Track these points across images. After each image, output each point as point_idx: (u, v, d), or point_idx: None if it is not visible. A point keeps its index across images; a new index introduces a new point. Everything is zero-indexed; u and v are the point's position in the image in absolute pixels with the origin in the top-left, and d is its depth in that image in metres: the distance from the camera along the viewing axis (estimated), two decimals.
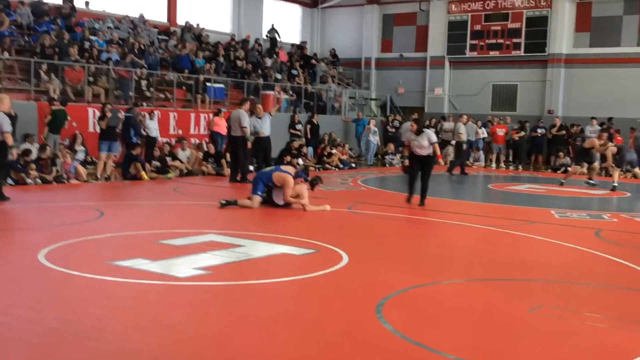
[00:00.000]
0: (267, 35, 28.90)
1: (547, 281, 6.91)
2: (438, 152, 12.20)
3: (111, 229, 8.86)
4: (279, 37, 28.89)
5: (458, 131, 19.87)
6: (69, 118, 16.06)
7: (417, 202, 12.08)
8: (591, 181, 16.89)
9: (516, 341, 4.87)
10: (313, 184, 11.56)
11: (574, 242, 8.98)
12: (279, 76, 25.89)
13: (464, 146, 20.15)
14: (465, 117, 21.06)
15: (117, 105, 17.48)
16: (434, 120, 25.89)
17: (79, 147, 16.12)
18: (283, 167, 11.76)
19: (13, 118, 13.33)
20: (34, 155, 14.04)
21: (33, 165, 13.49)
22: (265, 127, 16.11)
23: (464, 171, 19.69)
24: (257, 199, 11.18)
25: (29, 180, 13.24)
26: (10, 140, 11.02)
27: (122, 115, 16.22)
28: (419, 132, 12.02)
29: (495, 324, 5.27)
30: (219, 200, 11.23)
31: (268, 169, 11.89)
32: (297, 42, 30.47)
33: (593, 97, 25.23)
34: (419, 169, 12.10)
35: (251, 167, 18.13)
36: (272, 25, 29.03)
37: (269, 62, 26.57)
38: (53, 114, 15.55)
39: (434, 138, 12.09)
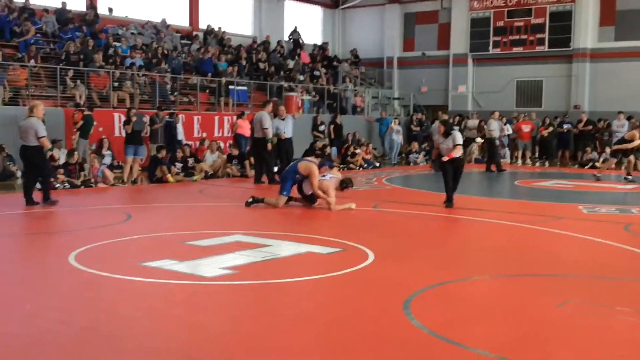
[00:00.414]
0: (289, 37, 28.98)
1: (576, 276, 6.83)
2: (455, 152, 11.44)
3: (139, 230, 8.95)
4: (302, 39, 28.98)
5: (489, 128, 19.75)
6: (95, 123, 16.26)
7: (443, 200, 11.69)
8: (629, 177, 16.68)
9: (546, 336, 4.83)
10: (343, 185, 11.46)
11: (603, 237, 8.87)
12: (301, 77, 25.93)
13: (496, 142, 20.01)
14: (497, 113, 20.87)
15: (153, 111, 17.75)
16: (457, 118, 25.74)
17: (105, 152, 16.28)
18: (307, 158, 11.87)
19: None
20: (61, 160, 14.24)
21: (61, 170, 13.69)
22: (287, 129, 16.16)
23: (501, 168, 19.54)
24: (283, 199, 11.23)
25: (57, 185, 13.41)
26: (47, 144, 11.32)
27: (147, 119, 16.38)
28: (446, 134, 11.62)
29: (524, 320, 5.22)
30: (245, 200, 11.32)
31: (292, 163, 11.96)
32: (319, 43, 30.49)
33: (619, 91, 24.90)
34: (452, 171, 11.63)
35: (275, 168, 18.21)
36: (295, 27, 29.12)
37: (291, 63, 26.63)
38: (83, 119, 15.75)
39: (458, 140, 11.65)
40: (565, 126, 23.51)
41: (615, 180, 16.83)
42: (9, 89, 16.57)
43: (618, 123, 22.09)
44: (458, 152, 11.51)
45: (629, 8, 25.26)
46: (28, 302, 5.48)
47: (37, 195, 11.37)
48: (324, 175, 11.23)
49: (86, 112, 15.92)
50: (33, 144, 11.19)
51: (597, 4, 25.94)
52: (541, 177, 18.27)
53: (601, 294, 6.12)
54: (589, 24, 25.91)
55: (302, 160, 11.57)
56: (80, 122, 15.69)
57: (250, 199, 11.30)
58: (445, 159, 11.47)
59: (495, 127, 19.74)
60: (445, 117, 26.25)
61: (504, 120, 22.88)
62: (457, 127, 22.73)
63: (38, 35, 19.93)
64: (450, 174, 11.59)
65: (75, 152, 14.40)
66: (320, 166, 11.25)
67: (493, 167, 19.34)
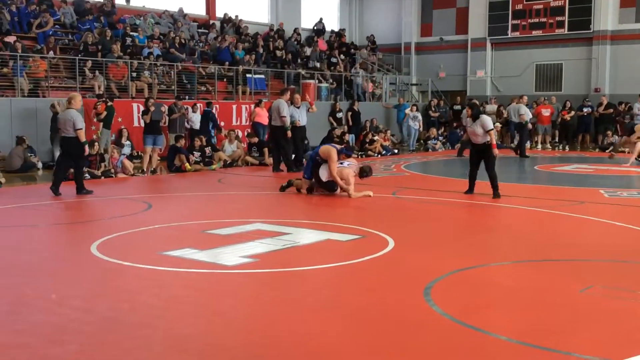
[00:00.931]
0: (314, 27, 28.98)
1: (598, 261, 6.78)
2: (493, 140, 10.97)
3: (159, 220, 9.00)
4: (325, 29, 29.02)
5: (519, 112, 19.67)
6: (115, 113, 16.33)
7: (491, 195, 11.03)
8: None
9: (569, 321, 4.80)
10: (363, 174, 11.36)
11: (625, 220, 8.79)
12: (318, 65, 25.87)
13: (529, 126, 20.18)
14: (525, 97, 20.77)
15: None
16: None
17: (125, 142, 16.39)
18: (330, 144, 11.91)
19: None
20: None
21: None
22: (302, 117, 16.13)
23: (525, 154, 19.54)
24: (306, 181, 11.42)
25: None
26: (82, 137, 11.45)
27: (165, 109, 16.43)
28: (475, 118, 11.03)
29: (547, 305, 5.19)
30: (281, 185, 11.70)
31: (314, 149, 11.99)
32: (336, 30, 30.38)
33: None
34: (478, 159, 11.21)
35: (293, 155, 18.22)
36: (320, 18, 29.15)
37: (308, 51, 26.56)
38: (107, 109, 15.82)
39: (489, 125, 10.96)
40: (585, 109, 23.26)
41: (638, 164, 16.62)
42: (28, 80, 16.70)
43: (639, 106, 21.81)
44: (492, 139, 10.95)
45: None
46: (53, 292, 5.54)
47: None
48: (341, 163, 11.18)
49: (109, 103, 15.99)
50: (71, 134, 11.38)
51: None
52: (561, 162, 18.12)
53: (624, 278, 6.07)
54: (610, 6, 25.52)
55: (325, 144, 11.62)
56: (104, 113, 15.76)
57: (284, 185, 11.66)
58: (473, 139, 11.04)
59: (524, 112, 19.67)
60: (458, 101, 26.28)
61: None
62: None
63: (56, 26, 20.05)
64: (475, 162, 11.25)
65: (96, 143, 14.49)
66: (339, 152, 11.21)
67: (523, 152, 19.32)
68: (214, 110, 18.40)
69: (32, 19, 19.32)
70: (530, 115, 22.85)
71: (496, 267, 6.47)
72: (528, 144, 22.74)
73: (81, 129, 11.37)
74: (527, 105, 22.59)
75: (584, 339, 4.46)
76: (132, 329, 4.64)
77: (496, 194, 10.94)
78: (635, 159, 16.56)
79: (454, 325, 4.68)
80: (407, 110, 23.66)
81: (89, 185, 12.09)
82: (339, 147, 11.49)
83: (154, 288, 5.65)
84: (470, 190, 11.42)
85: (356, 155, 19.58)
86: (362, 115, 22.90)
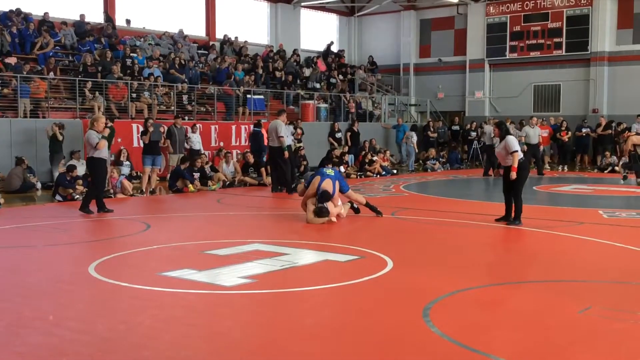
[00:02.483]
0: (325, 50, 29.68)
1: (597, 282, 6.77)
2: (515, 163, 10.12)
3: (158, 240, 9.00)
4: (333, 53, 29.39)
5: (530, 134, 20.09)
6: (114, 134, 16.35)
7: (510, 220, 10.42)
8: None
9: (568, 343, 4.79)
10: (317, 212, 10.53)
11: (624, 241, 8.78)
12: (318, 85, 25.99)
13: (541, 148, 20.81)
14: (535, 119, 20.90)
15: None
16: (474, 123, 25.66)
17: (124, 162, 16.40)
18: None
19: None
20: (80, 171, 14.39)
21: (80, 181, 13.80)
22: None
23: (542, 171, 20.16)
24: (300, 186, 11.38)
25: (76, 196, 13.52)
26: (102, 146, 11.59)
27: (164, 129, 16.46)
28: (502, 138, 10.40)
29: (546, 326, 5.18)
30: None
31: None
32: (335, 51, 30.59)
33: (639, 94, 24.68)
34: (509, 182, 10.35)
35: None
36: (331, 42, 29.86)
37: (307, 72, 26.71)
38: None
39: (513, 146, 10.18)
40: (584, 130, 23.32)
41: (636, 184, 16.65)
42: (29, 101, 16.77)
43: (638, 126, 21.89)
44: (514, 161, 10.14)
45: None
46: (50, 313, 5.52)
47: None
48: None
49: (109, 124, 16.00)
50: (91, 155, 11.67)
51: (615, 7, 25.77)
52: (560, 182, 18.13)
53: (623, 299, 6.06)
54: (607, 27, 25.73)
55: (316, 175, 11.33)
56: (107, 131, 15.77)
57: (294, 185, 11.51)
58: (513, 174, 10.14)
59: (532, 134, 20.05)
60: (456, 122, 26.43)
61: (512, 126, 22.97)
62: (513, 135, 22.42)
63: (57, 47, 20.17)
64: (507, 185, 10.41)
65: None
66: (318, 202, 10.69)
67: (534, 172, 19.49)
68: (262, 131, 18.27)
69: (33, 41, 19.43)
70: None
71: (495, 288, 6.46)
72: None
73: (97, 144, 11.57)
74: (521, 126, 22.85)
75: None
76: (130, 350, 4.63)
77: (517, 221, 10.23)
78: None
79: (453, 347, 4.66)
80: (408, 132, 23.80)
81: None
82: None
83: (152, 309, 5.64)
84: (507, 216, 10.49)
85: (355, 176, 19.62)
86: (361, 135, 22.95)
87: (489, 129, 24.64)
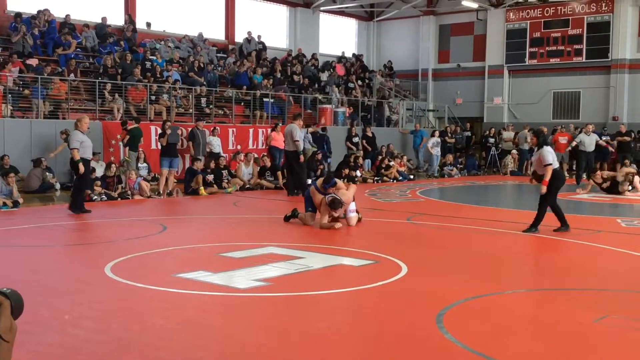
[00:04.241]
0: (353, 56, 30.02)
1: (613, 290, 6.71)
2: (547, 176, 9.85)
3: (174, 242, 9.05)
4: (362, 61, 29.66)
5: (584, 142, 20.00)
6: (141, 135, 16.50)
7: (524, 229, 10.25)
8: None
9: (583, 352, 4.75)
10: (332, 206, 10.41)
11: None
12: (336, 90, 26.01)
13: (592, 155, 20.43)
14: (590, 126, 20.68)
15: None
16: (493, 130, 25.55)
17: (141, 164, 16.53)
18: (317, 182, 11.20)
19: None
20: (98, 173, 14.52)
21: (98, 182, 13.92)
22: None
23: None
24: (311, 215, 10.83)
25: (94, 197, 13.64)
26: (75, 156, 11.74)
27: (181, 132, 16.57)
28: (538, 147, 10.11)
29: (561, 334, 5.14)
30: (285, 214, 11.24)
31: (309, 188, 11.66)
32: (353, 56, 30.67)
33: None
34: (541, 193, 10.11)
35: (309, 181, 18.26)
36: (343, 52, 29.99)
37: (324, 76, 26.75)
38: (130, 132, 16.00)
39: (548, 158, 9.89)
40: (603, 138, 23.11)
41: None
42: (49, 102, 16.95)
43: None
44: (546, 174, 9.88)
45: None
46: (66, 313, 5.57)
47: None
48: (332, 195, 10.56)
49: (131, 126, 16.16)
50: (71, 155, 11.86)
51: (636, 14, 25.57)
52: (578, 190, 17.97)
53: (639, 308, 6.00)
54: (628, 34, 25.53)
55: (312, 185, 11.24)
56: (127, 138, 15.98)
57: (290, 214, 11.11)
58: (543, 188, 9.93)
59: (590, 142, 19.91)
60: (468, 127, 26.32)
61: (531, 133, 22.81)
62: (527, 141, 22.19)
63: (78, 49, 20.37)
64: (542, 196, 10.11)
65: (113, 165, 14.66)
66: (325, 190, 10.64)
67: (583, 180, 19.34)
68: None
69: (55, 42, 19.63)
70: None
71: (510, 295, 6.43)
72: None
73: (74, 148, 11.71)
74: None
75: None
76: (144, 351, 4.66)
77: (534, 228, 10.08)
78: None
79: (466, 354, 4.64)
80: (426, 137, 23.70)
81: (106, 207, 12.19)
82: (319, 184, 10.85)
83: (166, 310, 5.67)
84: (564, 225, 10.18)
85: (371, 181, 19.60)
86: (378, 140, 22.85)
87: (508, 135, 24.69)
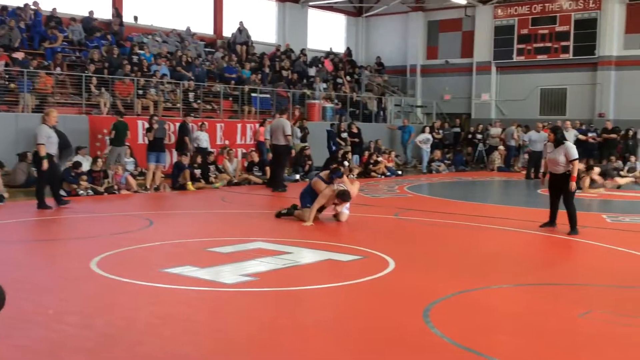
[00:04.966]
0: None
1: (599, 286, 6.75)
2: (574, 172, 9.69)
3: (161, 237, 9.01)
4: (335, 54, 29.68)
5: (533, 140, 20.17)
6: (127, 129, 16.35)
7: (567, 231, 9.82)
8: None
9: (568, 346, 4.78)
10: (342, 197, 10.50)
11: (627, 246, 8.76)
12: (324, 85, 25.98)
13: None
14: (540, 124, 20.92)
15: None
16: (480, 126, 25.63)
17: (128, 159, 16.44)
18: (321, 174, 11.46)
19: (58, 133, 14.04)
20: (85, 167, 14.42)
21: (84, 177, 13.84)
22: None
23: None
24: (307, 210, 10.70)
25: (80, 192, 13.57)
26: (41, 151, 11.43)
27: (167, 126, 16.49)
28: (557, 144, 9.83)
29: (546, 329, 5.17)
30: (279, 211, 11.18)
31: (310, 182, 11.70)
32: (342, 51, 30.64)
33: None
34: (557, 189, 9.97)
35: (297, 176, 18.28)
36: (331, 48, 29.81)
37: (313, 71, 26.71)
38: (114, 127, 15.83)
39: (574, 154, 9.67)
40: (589, 134, 23.25)
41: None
42: (35, 96, 16.82)
43: None
44: (574, 170, 9.71)
45: None
46: (51, 308, 5.54)
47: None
48: (340, 185, 10.70)
49: (118, 120, 16.00)
50: (36, 150, 11.49)
51: (623, 11, 25.70)
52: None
53: (624, 303, 6.04)
54: (615, 32, 25.66)
55: (316, 177, 11.28)
56: (113, 132, 15.81)
57: (285, 211, 11.04)
58: (552, 168, 9.85)
59: (540, 139, 19.91)
60: (457, 124, 26.43)
61: (524, 129, 23.03)
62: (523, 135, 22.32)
63: (64, 43, 20.22)
64: (555, 193, 10.03)
65: (99, 160, 14.56)
66: (330, 180, 10.78)
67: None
68: (334, 129, 20.73)
69: (42, 35, 19.47)
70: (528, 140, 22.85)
71: (496, 290, 6.45)
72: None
73: (41, 144, 11.39)
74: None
75: None
76: (130, 347, 4.63)
77: (574, 231, 9.73)
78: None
79: (453, 349, 4.66)
80: (414, 134, 23.74)
81: (92, 201, 12.10)
82: (325, 176, 10.96)
83: (152, 305, 5.65)
84: (552, 222, 10.18)
85: (349, 175, 19.60)
86: (365, 136, 22.79)
87: (495, 131, 24.78)
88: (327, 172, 11.20)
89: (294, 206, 11.07)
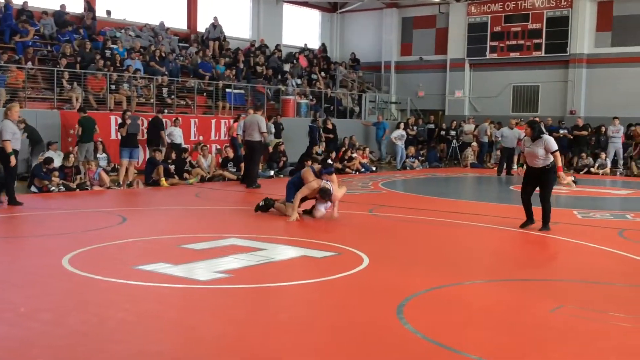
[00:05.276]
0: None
1: (569, 281, 6.85)
2: (559, 162, 9.79)
3: (133, 234, 8.94)
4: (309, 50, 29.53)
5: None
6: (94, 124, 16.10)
7: (538, 227, 9.89)
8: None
9: (540, 341, 4.84)
10: (322, 194, 10.58)
11: (597, 242, 8.89)
12: (299, 81, 25.96)
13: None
14: (513, 121, 21.26)
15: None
16: (454, 122, 25.80)
17: (100, 154, 16.27)
18: (314, 165, 11.42)
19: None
20: (56, 163, 14.24)
21: (56, 173, 13.67)
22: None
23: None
24: (290, 205, 10.61)
25: (52, 188, 13.41)
26: (7, 148, 11.25)
27: (141, 121, 16.35)
28: (534, 138, 9.83)
29: (517, 324, 5.23)
30: (257, 204, 11.16)
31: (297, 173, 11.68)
32: (317, 47, 30.62)
33: (615, 97, 24.96)
34: (533, 184, 9.98)
35: (272, 172, 18.26)
36: (305, 44, 29.70)
37: (287, 67, 26.66)
38: (80, 123, 15.54)
39: (553, 146, 9.69)
40: (561, 131, 23.54)
41: (611, 185, 16.86)
42: (6, 91, 16.56)
43: (613, 128, 22.15)
44: (557, 161, 9.78)
45: (625, 14, 25.31)
46: (21, 305, 5.47)
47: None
48: (327, 182, 10.72)
49: (82, 116, 15.71)
50: (1, 146, 11.29)
51: (594, 9, 26.02)
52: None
53: (595, 299, 6.13)
54: (586, 30, 25.99)
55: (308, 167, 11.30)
56: (79, 128, 15.45)
57: (262, 204, 10.99)
58: (531, 163, 9.86)
59: (512, 136, 20.22)
60: (432, 120, 26.64)
61: (497, 126, 23.25)
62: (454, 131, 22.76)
63: (36, 37, 19.93)
64: (530, 189, 10.05)
65: (71, 156, 14.38)
66: (320, 174, 10.75)
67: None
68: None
69: (13, 29, 19.17)
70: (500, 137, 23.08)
71: (469, 285, 6.51)
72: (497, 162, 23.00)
73: (6, 140, 11.22)
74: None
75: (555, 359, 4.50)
76: (102, 344, 4.60)
77: (546, 227, 9.80)
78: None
79: (426, 344, 4.69)
80: (388, 130, 23.80)
81: (64, 198, 11.95)
82: (317, 169, 10.95)
83: (125, 303, 5.60)
84: (530, 220, 10.09)
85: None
86: (340, 132, 22.86)
87: (468, 127, 24.98)
88: (319, 166, 11.11)
89: (269, 199, 11.04)
